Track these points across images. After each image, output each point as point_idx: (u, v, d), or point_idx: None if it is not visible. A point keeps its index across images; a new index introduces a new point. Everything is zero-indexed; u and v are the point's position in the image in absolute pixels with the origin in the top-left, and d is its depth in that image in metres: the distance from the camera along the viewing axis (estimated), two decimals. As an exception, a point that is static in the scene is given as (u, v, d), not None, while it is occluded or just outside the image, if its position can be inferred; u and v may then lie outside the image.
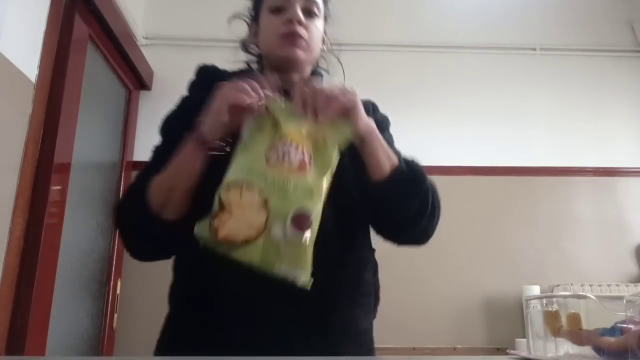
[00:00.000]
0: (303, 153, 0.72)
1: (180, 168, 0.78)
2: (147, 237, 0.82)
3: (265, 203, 0.66)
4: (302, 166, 0.71)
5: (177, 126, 0.85)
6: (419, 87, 2.76)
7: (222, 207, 0.67)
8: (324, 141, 0.75)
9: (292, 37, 0.89)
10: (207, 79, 0.88)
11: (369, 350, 0.86)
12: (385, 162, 0.80)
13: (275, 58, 0.92)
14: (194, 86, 0.97)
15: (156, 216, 0.78)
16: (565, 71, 2.87)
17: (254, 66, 1.01)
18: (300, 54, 0.90)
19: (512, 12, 2.94)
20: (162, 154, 0.84)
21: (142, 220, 0.80)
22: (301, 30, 0.89)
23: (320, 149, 0.74)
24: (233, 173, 0.70)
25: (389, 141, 0.93)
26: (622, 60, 2.92)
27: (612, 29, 2.97)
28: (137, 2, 2.59)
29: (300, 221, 0.67)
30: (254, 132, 0.75)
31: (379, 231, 0.89)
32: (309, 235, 0.67)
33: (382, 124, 0.96)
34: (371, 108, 0.99)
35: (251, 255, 0.65)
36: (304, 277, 0.66)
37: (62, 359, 1.38)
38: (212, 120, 0.76)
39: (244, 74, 0.92)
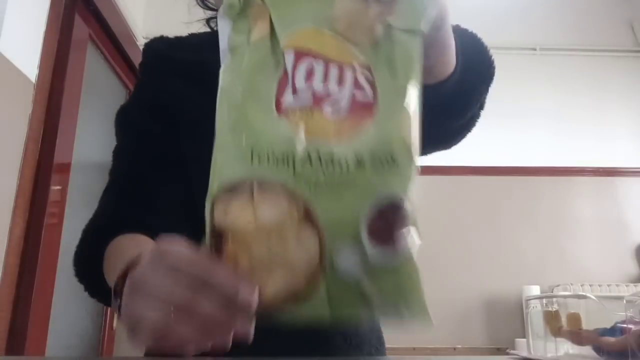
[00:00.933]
0: (354, 77, 0.36)
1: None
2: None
3: (306, 215, 0.33)
4: (358, 108, 0.35)
5: (133, 116, 0.75)
6: (419, 87, 2.76)
7: (219, 241, 0.34)
8: (389, 39, 0.37)
9: None
10: (156, 57, 0.78)
11: (378, 348, 0.76)
12: (454, 50, 0.53)
13: None
14: (141, 68, 0.80)
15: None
16: (566, 71, 2.87)
17: (214, 25, 0.82)
18: None
19: (513, 12, 2.94)
20: (121, 159, 0.73)
21: (105, 298, 0.59)
22: None
23: (385, 54, 0.37)
24: (223, 165, 0.36)
25: None
26: (622, 60, 2.92)
27: (612, 29, 2.97)
28: (137, 2, 2.59)
29: (388, 225, 0.34)
30: (236, 60, 0.38)
31: (445, 142, 0.70)
32: (412, 241, 0.35)
33: None
34: None
35: (314, 313, 0.34)
36: (418, 313, 0.37)
37: (62, 359, 1.38)
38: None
39: (200, 38, 0.79)
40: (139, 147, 0.69)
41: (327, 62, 0.36)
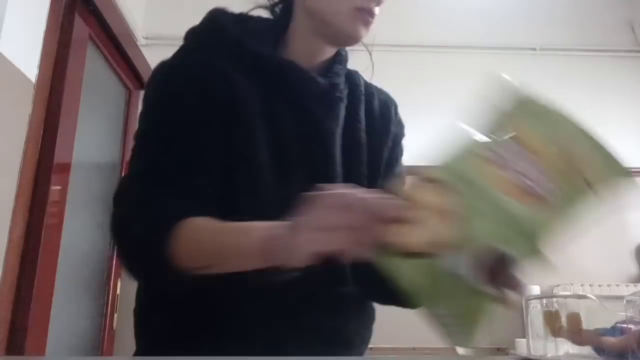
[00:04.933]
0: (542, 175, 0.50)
1: (231, 263, 0.56)
2: (163, 283, 0.64)
3: (460, 218, 0.47)
4: (535, 193, 0.49)
5: (178, 87, 0.68)
6: (419, 87, 2.75)
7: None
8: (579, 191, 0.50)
9: (367, 15, 0.69)
10: (214, 29, 0.72)
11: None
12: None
13: (334, 30, 0.71)
14: (195, 36, 0.75)
15: (183, 273, 0.57)
16: (565, 71, 2.86)
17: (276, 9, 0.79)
18: (365, 36, 0.71)
19: (513, 12, 2.94)
20: (168, 143, 0.65)
21: (159, 272, 0.60)
22: (376, 10, 0.70)
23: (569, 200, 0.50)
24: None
25: (400, 154, 0.83)
26: (622, 60, 2.91)
27: (612, 29, 2.96)
28: (137, 2, 2.59)
29: (491, 264, 0.47)
30: None
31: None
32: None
33: (401, 133, 0.84)
34: (394, 109, 0.84)
35: (412, 274, 0.47)
36: (466, 341, 0.48)
37: (62, 359, 1.38)
38: (293, 250, 0.49)
39: (265, 24, 0.76)
40: (183, 129, 0.64)
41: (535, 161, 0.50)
